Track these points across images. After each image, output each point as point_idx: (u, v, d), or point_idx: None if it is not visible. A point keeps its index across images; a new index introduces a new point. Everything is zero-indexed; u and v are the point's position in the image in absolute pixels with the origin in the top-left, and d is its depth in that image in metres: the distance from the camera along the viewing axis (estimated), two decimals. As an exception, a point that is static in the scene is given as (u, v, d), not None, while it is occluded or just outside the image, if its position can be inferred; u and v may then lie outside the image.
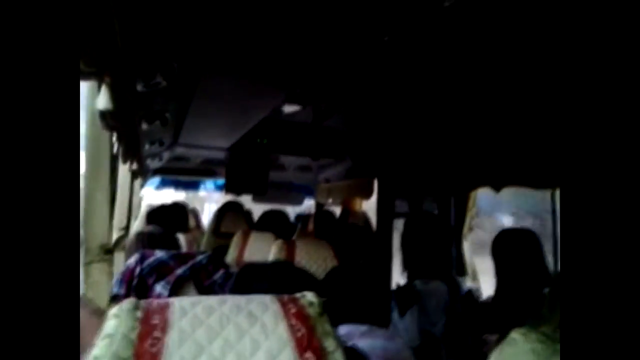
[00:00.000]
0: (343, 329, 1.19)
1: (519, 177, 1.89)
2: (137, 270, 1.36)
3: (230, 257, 2.32)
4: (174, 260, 1.39)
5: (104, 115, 1.01)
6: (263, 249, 2.05)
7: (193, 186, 4.68)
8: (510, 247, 1.85)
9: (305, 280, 0.92)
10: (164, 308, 0.54)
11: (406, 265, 1.97)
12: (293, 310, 0.57)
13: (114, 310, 0.53)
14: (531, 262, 1.80)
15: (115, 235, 2.26)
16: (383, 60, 1.47)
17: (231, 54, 1.43)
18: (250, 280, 0.90)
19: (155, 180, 4.24)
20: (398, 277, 2.54)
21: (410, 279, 1.92)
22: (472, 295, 1.88)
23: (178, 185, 4.70)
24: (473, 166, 2.12)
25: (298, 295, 0.61)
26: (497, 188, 2.00)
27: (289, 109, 2.14)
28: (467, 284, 1.96)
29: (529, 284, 1.76)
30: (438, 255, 1.93)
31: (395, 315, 1.78)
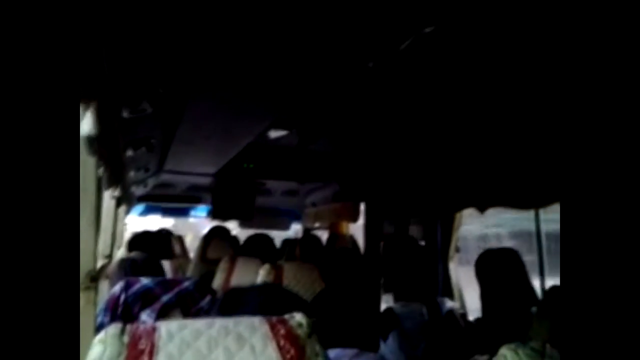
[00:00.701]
0: (332, 353, 1.17)
1: (503, 198, 1.91)
2: (122, 298, 1.34)
3: (217, 283, 2.29)
4: (160, 287, 1.37)
5: (89, 140, 1.01)
6: (250, 274, 2.03)
7: (182, 212, 4.63)
8: (494, 267, 1.86)
9: (293, 302, 0.91)
10: (150, 332, 0.53)
11: (387, 288, 1.97)
12: (282, 332, 0.57)
13: (99, 335, 0.52)
14: (516, 281, 1.81)
15: (99, 263, 2.22)
16: (368, 85, 1.49)
17: (216, 80, 1.45)
18: (237, 303, 0.89)
19: (143, 206, 4.19)
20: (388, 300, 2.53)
21: (394, 301, 1.91)
22: (453, 316, 1.88)
23: (167, 211, 4.65)
24: (458, 188, 2.15)
25: (287, 316, 0.61)
26: (481, 209, 2.02)
27: (274, 133, 2.16)
28: (449, 304, 1.95)
29: (515, 303, 1.77)
30: (417, 277, 1.93)
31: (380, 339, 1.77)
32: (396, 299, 1.89)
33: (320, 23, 1.08)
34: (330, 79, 1.44)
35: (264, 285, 1.37)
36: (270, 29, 1.11)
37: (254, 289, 1.05)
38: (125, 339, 0.52)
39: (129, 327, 0.54)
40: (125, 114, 1.47)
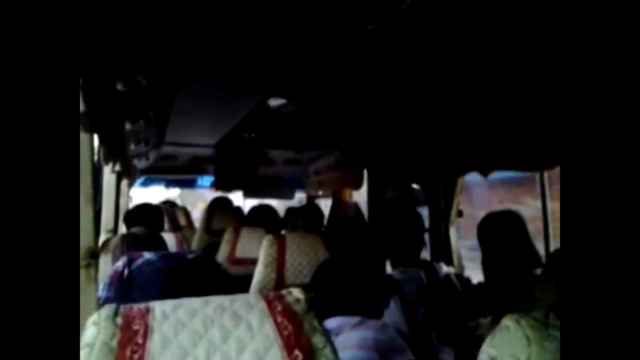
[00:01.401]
0: (334, 321, 1.18)
1: (506, 160, 1.89)
2: (126, 272, 1.34)
3: (222, 254, 2.31)
4: (163, 260, 1.38)
5: (82, 116, 0.99)
6: (255, 245, 2.04)
7: (187, 183, 4.63)
8: (496, 230, 1.86)
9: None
10: (144, 313, 0.53)
11: (387, 255, 1.97)
12: (279, 308, 0.56)
13: (92, 318, 0.52)
14: (519, 243, 1.81)
15: (103, 237, 2.24)
16: (367, 50, 1.45)
17: (211, 51, 1.41)
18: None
19: (145, 179, 4.20)
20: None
21: (392, 267, 1.92)
22: (450, 280, 1.89)
23: (171, 183, 4.65)
24: (460, 152, 2.12)
25: (284, 292, 0.60)
26: (484, 173, 2.00)
27: (274, 102, 2.12)
28: (444, 269, 1.95)
29: (518, 266, 1.77)
30: (414, 243, 1.93)
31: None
32: (393, 265, 1.90)
33: None
34: (328, 43, 1.40)
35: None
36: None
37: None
38: (119, 320, 0.52)
39: (122, 308, 0.53)
40: (119, 87, 1.44)
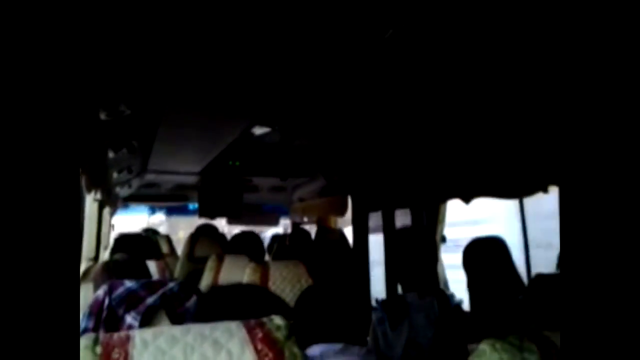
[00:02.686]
0: (317, 348, 1.18)
1: (487, 188, 1.92)
2: (106, 301, 1.32)
3: (205, 282, 2.28)
4: (144, 289, 1.36)
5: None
6: (238, 272, 2.03)
7: (176, 210, 4.55)
8: (480, 257, 1.88)
9: (276, 304, 0.91)
10: (125, 341, 0.53)
11: (398, 279, 1.97)
12: (260, 335, 0.57)
13: None
14: (503, 270, 1.83)
15: (84, 266, 2.20)
16: (349, 78, 1.49)
17: (195, 79, 1.43)
18: (216, 304, 0.88)
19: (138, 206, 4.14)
20: (378, 290, 2.53)
21: (403, 291, 1.91)
22: (460, 309, 1.90)
23: (159, 209, 4.57)
24: (443, 179, 2.16)
25: (265, 319, 0.60)
26: (466, 199, 2.03)
27: (258, 131, 2.14)
28: (457, 298, 1.96)
29: (502, 292, 1.79)
30: (427, 269, 1.94)
31: (386, 327, 1.77)
32: (405, 289, 1.90)
33: (298, 21, 1.07)
34: (311, 74, 1.43)
35: (247, 286, 1.37)
36: (242, 31, 1.09)
37: (237, 288, 1.04)
38: (99, 349, 0.52)
39: (102, 336, 0.53)
40: (102, 117, 1.44)
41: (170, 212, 4.62)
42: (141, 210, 4.45)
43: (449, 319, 1.79)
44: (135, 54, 1.20)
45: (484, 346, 0.59)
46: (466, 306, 2.01)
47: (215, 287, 1.05)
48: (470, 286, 1.93)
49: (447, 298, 1.90)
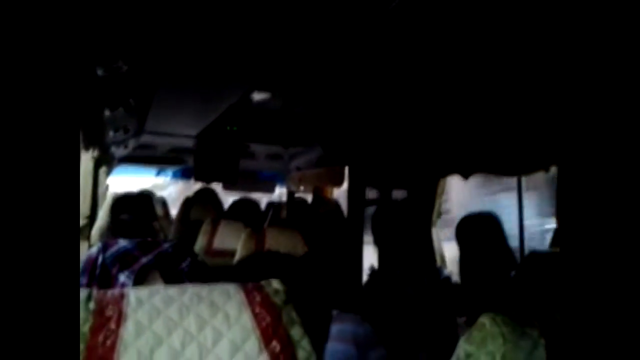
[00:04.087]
0: (312, 317, 1.18)
1: (487, 164, 1.91)
2: (100, 259, 1.32)
3: (199, 245, 2.28)
4: (139, 248, 1.36)
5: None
6: (232, 238, 2.03)
7: (186, 174, 4.49)
8: (474, 231, 1.89)
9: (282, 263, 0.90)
10: (118, 299, 0.52)
11: (385, 253, 1.97)
12: (258, 299, 0.56)
13: None
14: (495, 245, 1.84)
15: (80, 223, 2.19)
16: (351, 45, 1.45)
17: (196, 39, 1.39)
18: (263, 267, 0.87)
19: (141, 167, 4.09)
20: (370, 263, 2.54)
21: (390, 266, 1.92)
22: (449, 281, 1.91)
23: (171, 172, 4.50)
24: (443, 154, 2.14)
25: (263, 282, 0.59)
26: (465, 175, 2.02)
27: (258, 96, 2.10)
28: (446, 272, 1.98)
29: (494, 268, 1.80)
30: (417, 242, 1.95)
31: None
32: (391, 264, 1.90)
33: None
34: (315, 38, 1.39)
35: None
36: None
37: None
38: (92, 305, 0.50)
39: (95, 293, 0.52)
40: (99, 72, 1.40)
41: (175, 175, 4.56)
42: (144, 171, 4.38)
43: (437, 291, 1.81)
44: (136, 10, 1.16)
45: (484, 319, 0.59)
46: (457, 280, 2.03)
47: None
48: (462, 261, 1.95)
49: (437, 270, 1.91)
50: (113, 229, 1.70)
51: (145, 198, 2.49)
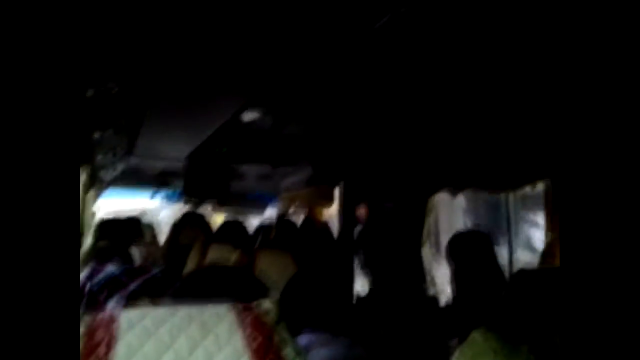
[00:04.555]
0: (304, 338, 1.17)
1: (476, 180, 1.93)
2: (87, 286, 1.30)
3: (189, 269, 2.25)
4: (126, 274, 1.34)
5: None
6: (222, 261, 2.01)
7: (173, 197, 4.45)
8: (465, 250, 1.89)
9: (261, 288, 0.90)
10: (109, 322, 0.51)
11: (370, 272, 1.97)
12: (249, 319, 0.55)
13: None
14: (486, 263, 1.85)
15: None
16: (341, 67, 1.47)
17: (186, 61, 1.40)
18: (203, 283, 0.86)
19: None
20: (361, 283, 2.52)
21: (375, 285, 1.91)
22: (435, 302, 1.91)
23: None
24: (432, 172, 2.16)
25: (254, 303, 0.59)
26: (454, 192, 2.04)
27: (247, 116, 2.11)
28: (432, 291, 1.98)
29: (485, 286, 1.80)
30: (403, 261, 1.95)
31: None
32: (377, 283, 1.90)
33: (292, 3, 1.05)
34: (305, 57, 1.41)
35: (233, 268, 1.35)
36: (236, 14, 1.07)
37: (221, 270, 1.03)
38: (82, 329, 0.49)
39: (86, 316, 0.51)
40: (89, 94, 1.40)
41: (170, 197, 4.52)
42: (143, 194, 4.34)
43: (423, 311, 1.80)
44: (127, 32, 1.17)
45: (476, 335, 0.59)
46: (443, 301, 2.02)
47: (199, 269, 1.03)
48: (454, 279, 1.95)
49: (422, 290, 1.91)
50: (94, 254, 1.68)
51: (127, 223, 2.47)
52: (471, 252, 1.89)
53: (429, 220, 2.48)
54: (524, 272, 1.51)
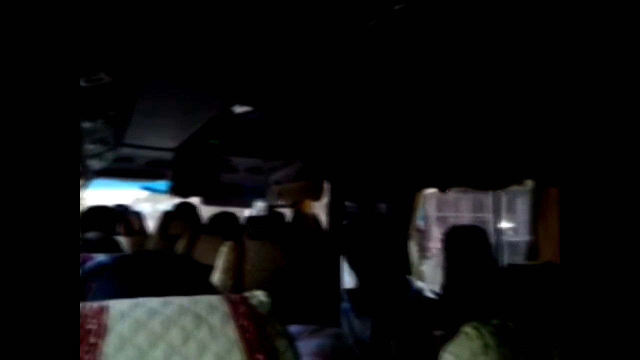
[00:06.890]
0: (292, 329, 1.17)
1: (463, 179, 1.95)
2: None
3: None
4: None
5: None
6: (212, 252, 2.01)
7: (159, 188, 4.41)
8: (460, 244, 1.92)
9: (199, 272, 0.86)
10: (99, 312, 0.51)
11: (354, 267, 1.98)
12: (242, 310, 0.56)
13: None
14: (481, 257, 1.88)
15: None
16: (334, 62, 1.47)
17: (179, 51, 1.39)
18: (136, 269, 0.84)
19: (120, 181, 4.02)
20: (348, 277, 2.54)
21: (361, 280, 1.93)
22: (420, 295, 1.93)
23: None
24: (420, 168, 2.17)
25: (247, 294, 0.59)
26: (442, 189, 2.05)
27: (240, 109, 2.11)
28: (418, 284, 2.00)
29: (479, 280, 1.83)
30: (388, 255, 1.96)
31: (350, 315, 1.79)
32: (362, 278, 1.91)
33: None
34: (297, 53, 1.41)
35: (173, 254, 1.33)
36: (228, 6, 1.07)
37: (161, 254, 1.01)
38: None
39: None
40: (81, 83, 1.39)
41: (147, 188, 4.48)
42: (122, 184, 4.30)
43: (409, 304, 1.83)
44: (118, 22, 1.16)
45: (467, 329, 0.59)
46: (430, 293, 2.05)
47: (137, 251, 1.02)
48: (448, 272, 1.97)
49: (407, 284, 1.93)
50: (82, 244, 1.68)
51: (115, 212, 2.46)
52: (467, 246, 1.92)
53: (417, 215, 2.50)
54: (513, 267, 1.54)
